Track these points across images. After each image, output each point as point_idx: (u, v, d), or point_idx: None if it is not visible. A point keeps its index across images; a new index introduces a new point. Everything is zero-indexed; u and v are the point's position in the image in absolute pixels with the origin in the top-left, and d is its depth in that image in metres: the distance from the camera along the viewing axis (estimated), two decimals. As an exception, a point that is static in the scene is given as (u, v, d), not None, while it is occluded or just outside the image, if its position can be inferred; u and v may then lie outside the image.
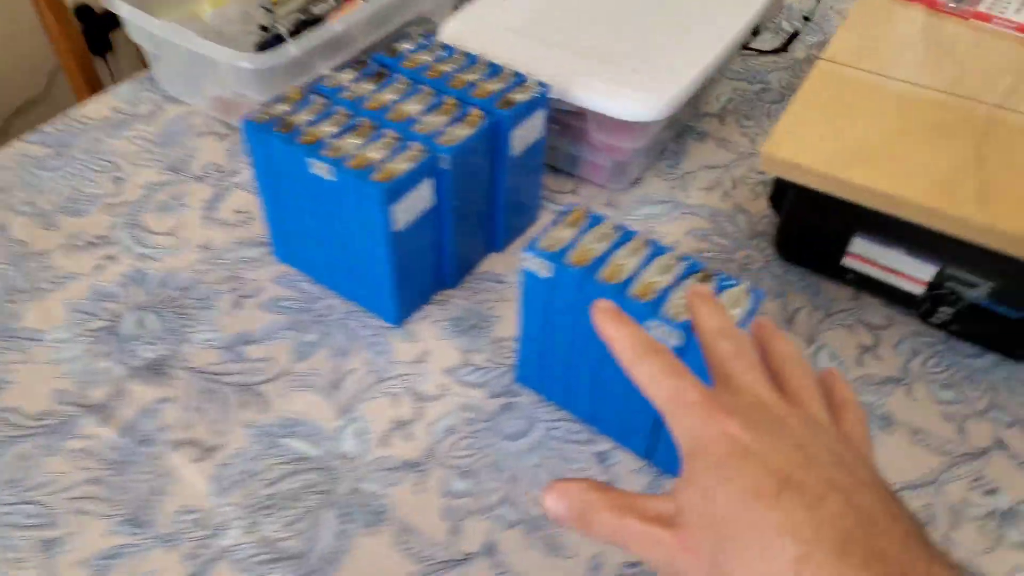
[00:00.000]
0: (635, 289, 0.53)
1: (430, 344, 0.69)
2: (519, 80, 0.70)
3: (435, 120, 0.66)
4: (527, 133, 0.71)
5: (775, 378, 0.35)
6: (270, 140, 0.64)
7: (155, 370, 0.66)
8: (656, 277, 0.54)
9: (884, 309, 0.72)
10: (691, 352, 0.45)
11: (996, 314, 0.65)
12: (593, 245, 0.56)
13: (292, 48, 0.79)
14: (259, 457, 0.61)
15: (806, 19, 1.08)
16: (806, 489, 0.28)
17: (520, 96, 0.68)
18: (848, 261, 0.71)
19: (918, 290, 0.68)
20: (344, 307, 0.72)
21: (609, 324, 0.36)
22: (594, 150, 0.81)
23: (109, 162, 0.86)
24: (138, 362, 0.67)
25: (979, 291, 0.65)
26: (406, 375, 0.67)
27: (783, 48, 1.03)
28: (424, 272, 0.71)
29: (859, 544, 0.26)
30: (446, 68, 0.71)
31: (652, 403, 0.34)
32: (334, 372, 0.67)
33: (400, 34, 0.90)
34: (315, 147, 0.63)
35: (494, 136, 0.68)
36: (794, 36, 1.04)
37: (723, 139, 0.90)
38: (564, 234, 0.57)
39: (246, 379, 0.66)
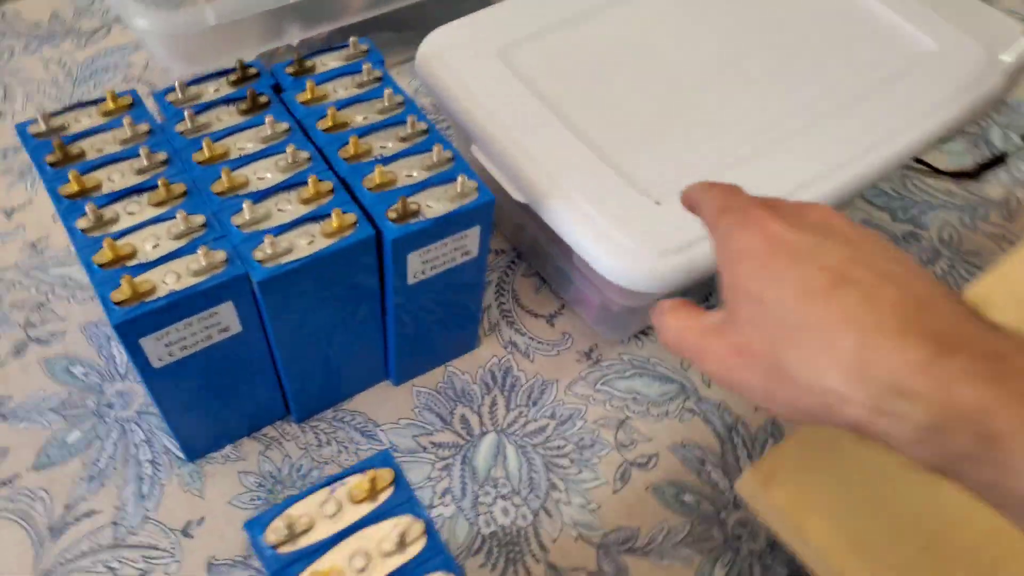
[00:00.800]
0: None
1: (214, 505, 0.47)
2: (451, 172, 0.44)
3: (283, 207, 0.41)
4: (440, 256, 0.45)
5: None
6: (39, 165, 0.42)
7: None
8: None
9: None
10: None
11: None
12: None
13: (208, 12, 0.55)
14: None
15: (1026, 139, 0.72)
16: (861, 282, 0.27)
17: (437, 204, 0.42)
18: None
19: None
20: (144, 406, 0.51)
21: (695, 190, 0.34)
22: (584, 280, 0.54)
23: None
24: None
25: None
26: (154, 555, 0.45)
27: (973, 174, 0.68)
28: (225, 410, 0.48)
29: (920, 325, 0.25)
30: (357, 119, 0.46)
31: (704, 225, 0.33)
32: (66, 504, 0.47)
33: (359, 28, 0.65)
34: (76, 205, 0.40)
35: (368, 255, 0.43)
36: (998, 160, 0.69)
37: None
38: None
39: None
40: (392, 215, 0.42)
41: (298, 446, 0.50)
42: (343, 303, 0.45)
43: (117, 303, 0.37)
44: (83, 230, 0.40)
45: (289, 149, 0.43)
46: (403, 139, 0.45)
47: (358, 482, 0.34)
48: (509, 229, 0.61)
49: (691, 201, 0.35)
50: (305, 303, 0.43)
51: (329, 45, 0.49)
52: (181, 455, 0.49)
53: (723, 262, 0.30)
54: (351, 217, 0.41)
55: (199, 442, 0.49)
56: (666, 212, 0.46)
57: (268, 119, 0.44)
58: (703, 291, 0.59)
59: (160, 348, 0.40)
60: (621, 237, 0.45)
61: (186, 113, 0.44)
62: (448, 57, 0.53)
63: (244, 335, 0.43)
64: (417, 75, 0.54)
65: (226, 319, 0.41)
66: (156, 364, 0.41)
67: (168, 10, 0.55)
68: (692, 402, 0.54)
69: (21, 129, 0.44)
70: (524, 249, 0.60)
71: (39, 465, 0.49)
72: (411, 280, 0.45)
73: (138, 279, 0.38)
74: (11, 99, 0.67)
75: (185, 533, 0.47)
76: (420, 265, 0.44)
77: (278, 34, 0.63)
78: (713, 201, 0.32)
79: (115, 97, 0.45)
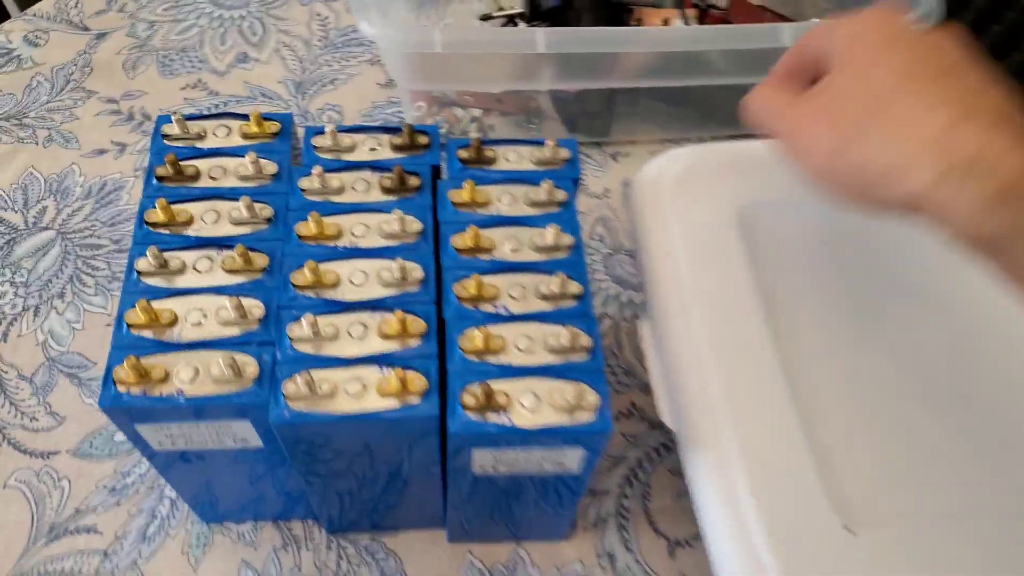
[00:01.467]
0: None
1: (196, 593, 0.41)
2: (576, 369, 0.32)
3: (356, 331, 0.33)
4: (522, 460, 0.34)
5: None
6: (148, 176, 0.37)
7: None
8: None
9: None
10: None
11: None
12: None
13: (436, 37, 0.47)
14: None
15: None
16: (969, 78, 0.28)
17: (536, 405, 0.31)
18: None
19: None
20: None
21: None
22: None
23: None
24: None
25: None
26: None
27: None
28: (243, 496, 0.41)
29: (1013, 123, 0.27)
30: (505, 248, 0.36)
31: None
32: (77, 507, 0.43)
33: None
34: (151, 237, 0.35)
35: (426, 434, 0.33)
36: None
37: None
38: None
39: None
40: (469, 400, 0.31)
41: (315, 562, 0.43)
42: (390, 464, 0.36)
43: (118, 381, 0.31)
44: (139, 272, 0.34)
45: (399, 261, 0.34)
46: (545, 297, 0.34)
47: None
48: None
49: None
50: (339, 457, 0.34)
51: (522, 139, 0.39)
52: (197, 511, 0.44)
53: (839, 41, 0.31)
54: (420, 381, 0.31)
55: (215, 510, 0.43)
56: (859, 547, 0.31)
57: (397, 212, 0.35)
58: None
59: (160, 436, 0.33)
60: (774, 567, 0.31)
61: (315, 169, 0.36)
62: (671, 201, 0.40)
63: (267, 451, 0.35)
64: (626, 201, 0.42)
65: (243, 433, 0.33)
66: (157, 448, 0.34)
67: (398, 26, 0.48)
68: None
69: (158, 124, 0.39)
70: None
71: (80, 452, 0.46)
72: (476, 471, 0.34)
73: (149, 363, 0.31)
74: (263, 45, 0.64)
75: (151, 612, 0.41)
76: (491, 462, 0.34)
77: (526, 76, 0.54)
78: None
79: (260, 120, 0.38)
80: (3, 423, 0.46)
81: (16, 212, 0.54)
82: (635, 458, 0.47)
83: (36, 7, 0.65)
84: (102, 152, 0.58)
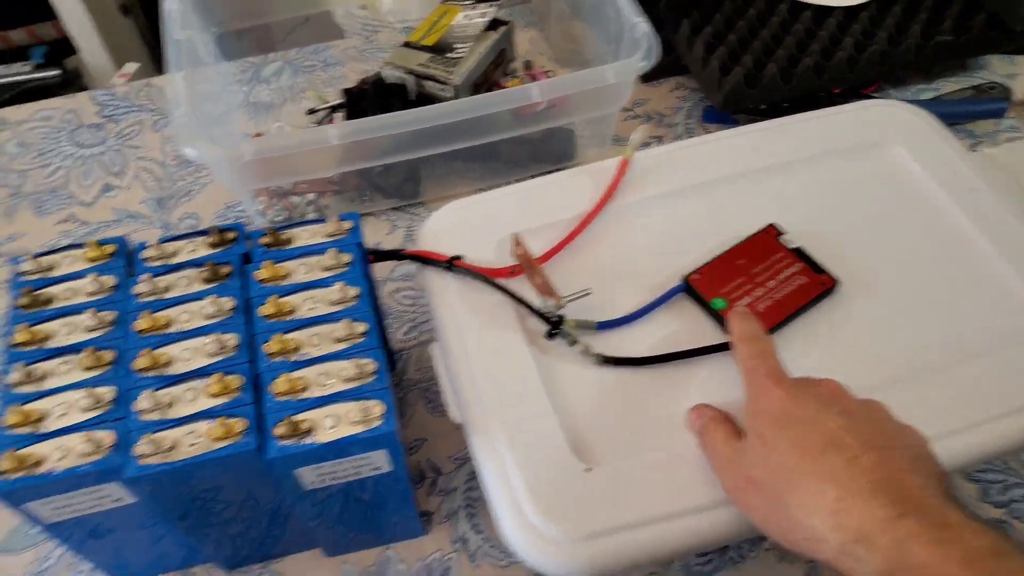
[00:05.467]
0: None
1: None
2: (366, 389, 0.42)
3: (191, 396, 0.42)
4: (340, 471, 0.43)
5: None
6: (12, 308, 0.46)
7: None
8: None
9: None
10: None
11: None
12: None
13: (245, 148, 0.57)
14: None
15: None
16: (846, 448, 0.35)
17: (337, 423, 0.41)
18: None
19: None
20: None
21: (736, 320, 0.44)
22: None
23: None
24: None
25: None
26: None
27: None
28: (138, 553, 0.49)
29: (887, 490, 0.33)
30: (304, 308, 0.45)
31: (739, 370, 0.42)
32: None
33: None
34: (18, 355, 0.43)
35: (252, 465, 0.42)
36: None
37: None
38: None
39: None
40: (279, 431, 0.40)
41: (206, 592, 0.51)
42: (241, 497, 0.44)
43: (1, 472, 0.39)
44: (11, 384, 0.42)
45: (214, 335, 0.43)
46: (338, 340, 0.44)
47: None
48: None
49: (730, 328, 0.44)
50: (194, 497, 0.43)
51: (316, 218, 0.49)
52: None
53: (748, 409, 0.39)
54: (240, 424, 0.40)
55: (127, 571, 0.51)
56: (595, 482, 0.41)
57: (211, 297, 0.44)
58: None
59: (48, 511, 0.42)
60: (532, 512, 0.40)
61: (143, 277, 0.45)
62: (445, 240, 0.50)
63: (143, 504, 0.43)
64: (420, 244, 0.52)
65: (116, 493, 0.42)
66: (48, 520, 0.43)
67: (230, 141, 0.58)
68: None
69: (13, 266, 0.47)
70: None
71: (3, 549, 0.53)
72: (308, 487, 0.43)
73: (25, 452, 0.40)
74: (123, 173, 0.73)
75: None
76: (315, 477, 0.43)
77: (339, 162, 0.64)
78: (746, 350, 0.42)
79: (97, 245, 0.47)
80: (-67, 538, 0.54)
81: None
82: (473, 458, 0.56)
83: (-85, 175, 0.74)
84: (-10, 292, 0.66)
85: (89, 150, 0.75)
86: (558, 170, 0.55)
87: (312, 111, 0.74)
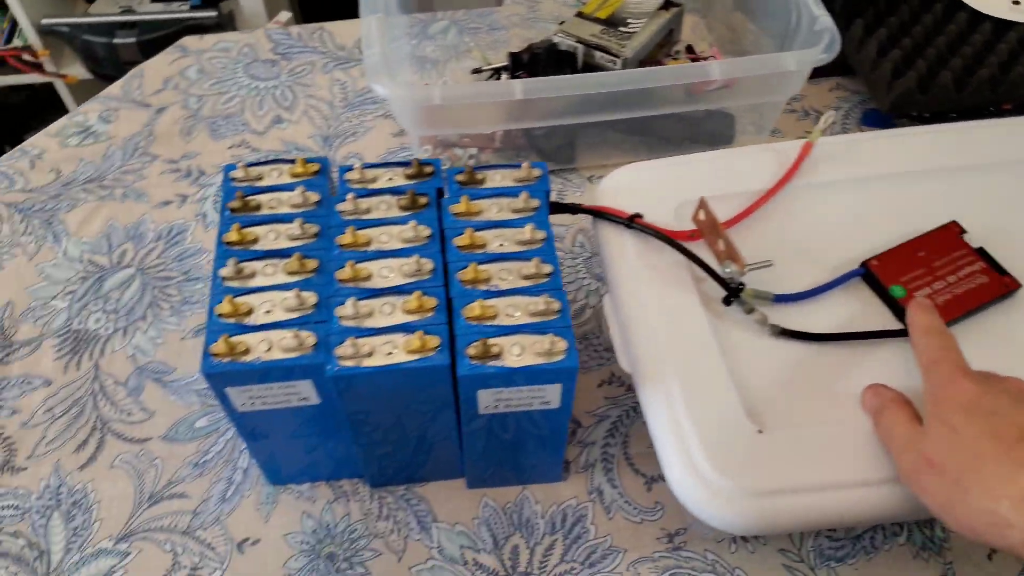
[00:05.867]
0: None
1: (271, 533, 0.52)
2: (550, 325, 0.43)
3: (386, 310, 0.44)
4: (516, 399, 0.45)
5: None
6: (223, 208, 0.49)
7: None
8: None
9: None
10: None
11: None
12: None
13: (435, 92, 0.59)
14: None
15: None
16: None
17: (523, 352, 0.42)
18: None
19: None
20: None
21: (919, 311, 0.44)
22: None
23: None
24: (62, 328, 0.61)
25: None
26: (209, 556, 0.51)
27: None
28: (304, 457, 0.52)
29: None
30: (494, 244, 0.47)
31: (918, 364, 0.42)
32: (169, 479, 0.54)
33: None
34: (229, 252, 0.47)
35: (440, 381, 0.44)
36: None
37: None
38: None
39: (96, 423, 0.57)
40: (472, 352, 0.43)
41: (361, 510, 0.53)
42: (417, 410, 0.47)
43: (213, 354, 0.43)
44: (223, 278, 0.46)
45: (415, 257, 0.45)
46: (525, 277, 0.46)
47: None
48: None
49: (911, 319, 0.44)
50: (377, 402, 0.45)
51: (535, 147, 0.51)
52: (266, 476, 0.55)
53: (931, 397, 0.40)
54: (434, 340, 0.43)
55: (283, 472, 0.54)
56: (767, 444, 0.42)
57: (412, 223, 0.47)
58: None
59: (243, 398, 0.45)
60: (704, 464, 0.41)
61: (348, 196, 0.48)
62: (623, 199, 0.52)
63: (323, 407, 0.46)
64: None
65: (305, 392, 0.45)
66: (240, 409, 0.46)
67: (404, 86, 0.60)
68: (761, 634, 0.49)
69: (226, 171, 0.51)
70: (654, 399, 0.58)
71: (168, 437, 0.57)
72: (482, 411, 0.46)
73: (236, 339, 0.43)
74: (293, 108, 0.77)
75: (239, 548, 0.52)
76: (492, 401, 0.45)
77: (508, 119, 0.66)
78: (930, 342, 0.42)
79: (305, 163, 0.50)
80: (107, 419, 0.58)
81: (103, 255, 0.67)
82: (616, 415, 0.57)
83: (106, 90, 0.79)
84: (167, 203, 0.70)
85: (263, 83, 0.79)
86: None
87: (477, 71, 0.77)
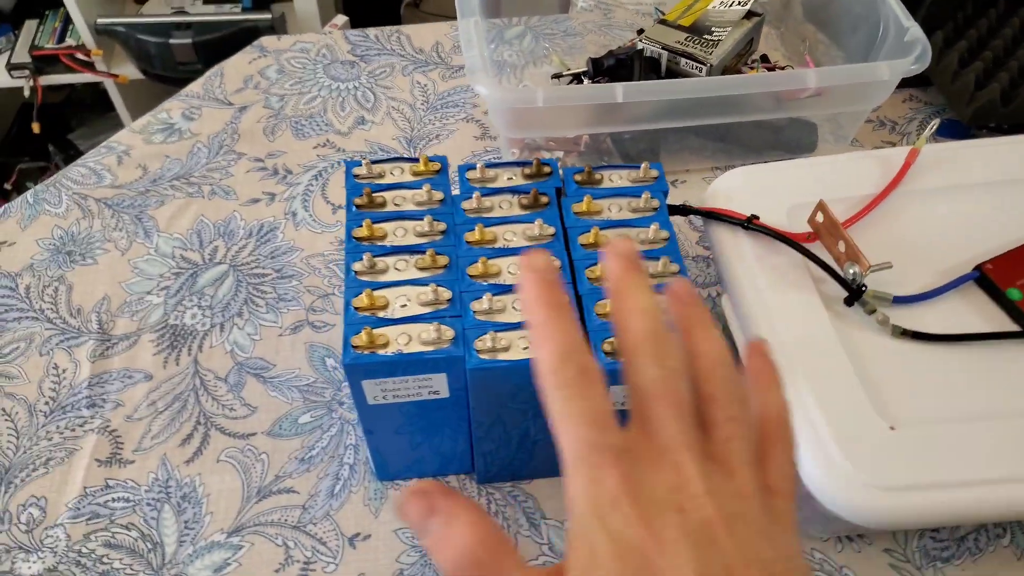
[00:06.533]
0: None
1: (382, 528, 0.53)
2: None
3: (514, 308, 0.45)
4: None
5: (702, 407, 0.28)
6: (348, 204, 0.50)
7: (163, 342, 0.61)
8: None
9: None
10: None
11: None
12: None
13: (539, 95, 0.60)
14: (117, 508, 0.53)
15: None
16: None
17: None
18: None
19: None
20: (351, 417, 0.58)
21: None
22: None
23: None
24: (163, 322, 0.62)
25: None
26: (321, 551, 0.52)
27: None
28: (420, 451, 0.53)
29: None
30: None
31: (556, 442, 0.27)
32: (277, 474, 0.55)
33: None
34: (359, 247, 0.47)
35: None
36: None
37: None
38: None
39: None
40: (607, 347, 0.43)
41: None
42: (540, 406, 0.47)
43: (354, 346, 0.43)
44: (356, 272, 0.46)
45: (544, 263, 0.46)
46: (651, 275, 0.46)
47: None
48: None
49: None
50: (506, 394, 0.46)
51: (624, 151, 0.52)
52: (375, 471, 0.55)
53: (574, 516, 0.26)
54: (572, 338, 0.43)
55: (391, 468, 0.54)
56: (899, 440, 0.43)
57: (538, 221, 0.48)
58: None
59: (377, 391, 0.45)
60: (839, 457, 0.42)
61: (475, 195, 0.49)
62: (736, 199, 0.53)
63: (450, 400, 0.47)
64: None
65: (438, 385, 0.45)
66: (371, 401, 0.46)
67: (507, 76, 0.61)
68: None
69: (348, 168, 0.51)
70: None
71: (272, 433, 0.57)
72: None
73: (377, 331, 0.43)
74: (375, 110, 0.78)
75: (351, 543, 0.52)
76: (619, 396, 0.45)
77: (597, 123, 0.67)
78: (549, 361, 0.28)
79: (427, 161, 0.51)
80: (210, 414, 0.58)
81: (195, 251, 0.67)
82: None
83: (188, 88, 0.79)
84: (256, 201, 0.71)
85: (343, 84, 0.80)
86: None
87: (557, 76, 0.78)
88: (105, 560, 0.51)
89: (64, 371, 0.60)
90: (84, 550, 0.52)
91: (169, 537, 0.53)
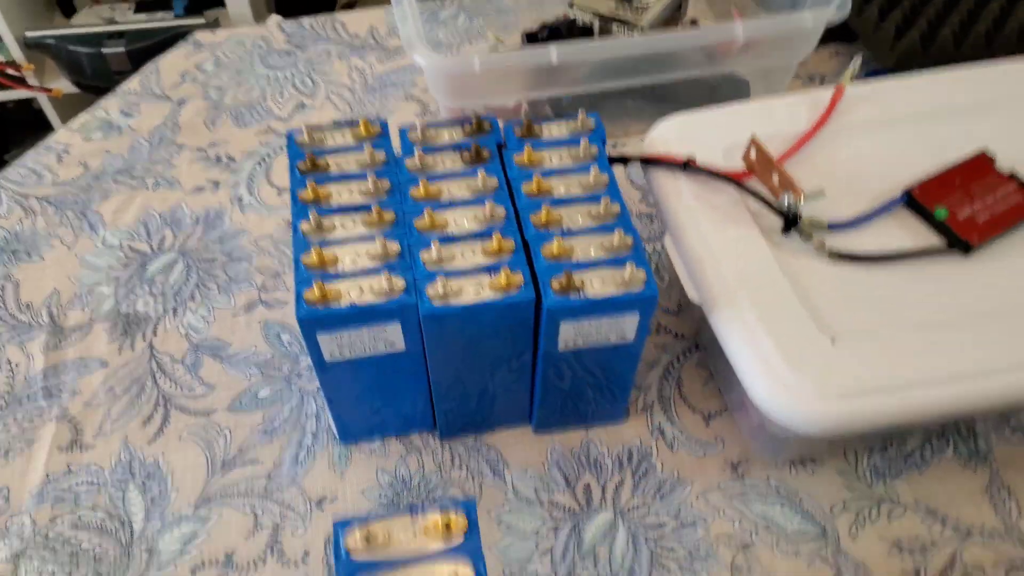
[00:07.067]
0: None
1: (348, 489, 0.53)
2: (625, 258, 0.46)
3: (467, 254, 0.46)
4: (594, 332, 0.47)
5: None
6: (292, 169, 0.50)
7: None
8: None
9: None
10: None
11: None
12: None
13: (475, 60, 0.61)
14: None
15: None
16: None
17: (602, 284, 0.44)
18: None
19: None
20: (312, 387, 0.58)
21: None
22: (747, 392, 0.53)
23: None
24: (115, 310, 0.61)
25: None
26: (289, 516, 0.52)
27: None
28: (381, 409, 0.53)
29: None
30: (560, 189, 0.49)
31: None
32: (240, 447, 0.55)
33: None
34: (305, 209, 0.48)
35: (526, 316, 0.46)
36: None
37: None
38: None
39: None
40: (555, 285, 0.44)
41: (434, 461, 0.55)
42: (498, 350, 0.48)
43: (307, 301, 0.44)
44: (303, 232, 0.47)
45: (488, 204, 0.47)
46: (594, 217, 0.48)
47: (434, 520, 0.37)
48: (691, 317, 0.61)
49: None
50: (462, 341, 0.47)
51: (560, 113, 0.53)
52: (337, 435, 0.56)
53: None
54: (519, 278, 0.44)
55: (353, 430, 0.55)
56: (840, 352, 0.44)
57: (481, 173, 0.49)
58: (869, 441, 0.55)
59: (333, 346, 0.46)
60: (785, 372, 0.44)
61: (416, 151, 0.50)
62: (672, 146, 0.55)
63: (406, 353, 0.48)
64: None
65: (393, 336, 0.46)
66: (328, 358, 0.47)
67: (444, 54, 0.62)
68: (829, 552, 0.51)
69: (290, 136, 0.52)
70: (701, 340, 0.60)
71: (232, 408, 0.58)
72: (561, 347, 0.47)
73: (329, 285, 0.44)
74: (315, 95, 0.78)
75: (319, 506, 0.53)
76: (572, 335, 0.47)
77: (535, 87, 0.68)
78: None
79: (368, 125, 0.52)
80: (169, 395, 0.58)
81: (143, 242, 0.67)
82: (667, 361, 0.60)
83: (124, 85, 0.79)
84: (200, 189, 0.71)
85: (281, 72, 0.80)
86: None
87: (494, 52, 0.79)
88: (73, 540, 0.51)
89: (17, 365, 0.60)
90: (51, 534, 0.51)
91: (136, 515, 0.52)
